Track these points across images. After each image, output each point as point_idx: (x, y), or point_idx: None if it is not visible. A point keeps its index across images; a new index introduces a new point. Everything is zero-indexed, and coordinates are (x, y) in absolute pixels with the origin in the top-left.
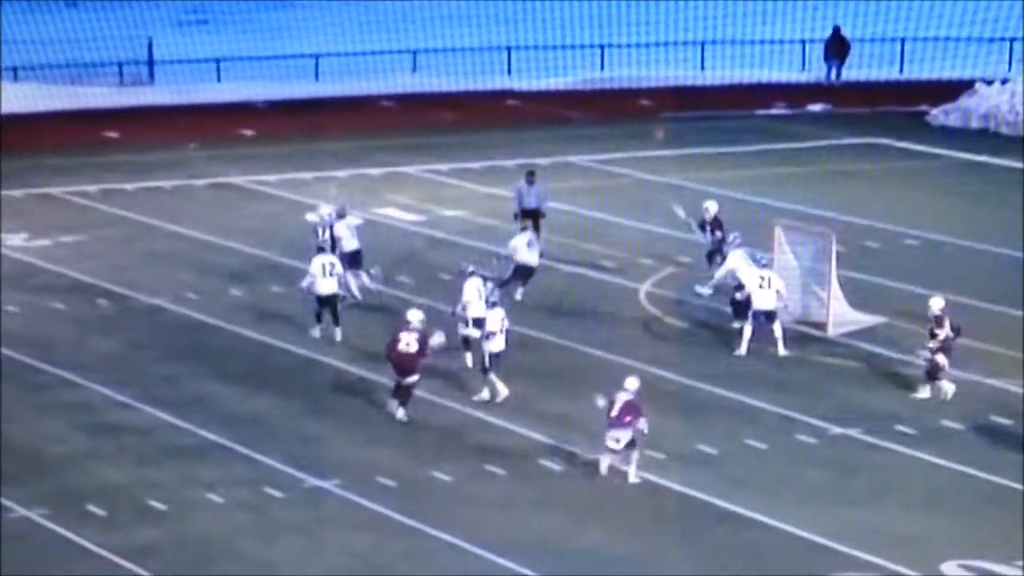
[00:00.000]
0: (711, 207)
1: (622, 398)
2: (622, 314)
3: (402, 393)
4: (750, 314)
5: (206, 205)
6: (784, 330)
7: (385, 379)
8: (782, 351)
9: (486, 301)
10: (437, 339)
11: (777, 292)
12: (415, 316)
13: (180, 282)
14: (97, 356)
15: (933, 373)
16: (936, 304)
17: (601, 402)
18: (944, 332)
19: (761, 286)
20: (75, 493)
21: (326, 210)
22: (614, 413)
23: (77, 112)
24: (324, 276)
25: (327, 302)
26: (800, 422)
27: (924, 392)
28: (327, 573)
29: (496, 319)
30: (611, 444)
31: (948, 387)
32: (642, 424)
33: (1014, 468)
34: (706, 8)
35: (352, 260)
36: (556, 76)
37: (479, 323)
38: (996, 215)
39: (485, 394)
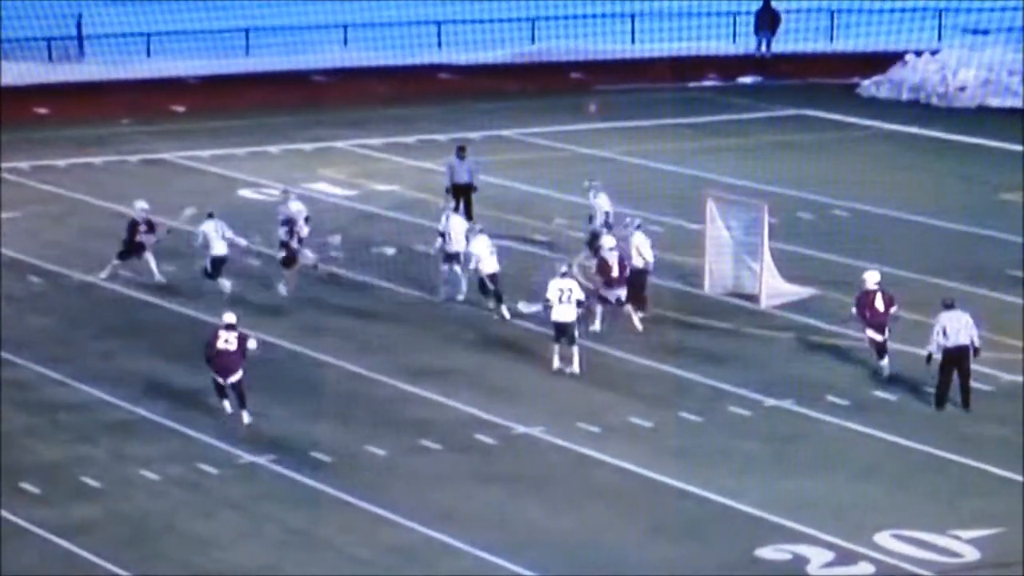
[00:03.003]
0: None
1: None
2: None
3: (231, 392)
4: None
5: (139, 181)
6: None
7: (322, 354)
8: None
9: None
10: (252, 343)
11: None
12: (230, 317)
13: (110, 257)
14: (31, 333)
15: (882, 349)
16: (871, 278)
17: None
18: (874, 309)
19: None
20: (10, 470)
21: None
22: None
23: (6, 88)
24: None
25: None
26: (734, 394)
27: (884, 363)
28: (263, 548)
29: (555, 289)
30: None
31: (885, 363)
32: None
33: (947, 438)
34: None
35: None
36: (487, 50)
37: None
38: (927, 186)
39: (575, 366)
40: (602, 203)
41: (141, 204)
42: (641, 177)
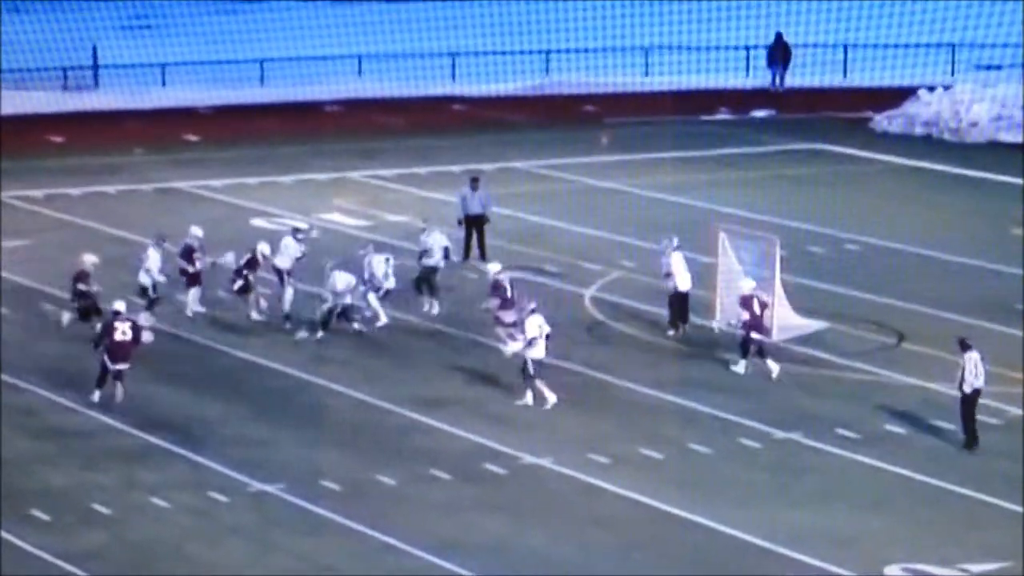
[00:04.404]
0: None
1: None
2: (567, 318)
3: (118, 376)
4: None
5: (151, 210)
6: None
7: (330, 382)
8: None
9: (523, 308)
10: (147, 336)
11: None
12: (122, 306)
13: (125, 286)
14: (42, 360)
15: (746, 348)
16: (747, 285)
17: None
18: (752, 312)
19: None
20: (19, 497)
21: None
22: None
23: (21, 117)
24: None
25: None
26: (743, 426)
27: (739, 367)
28: None
29: (534, 325)
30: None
31: (773, 366)
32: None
33: (954, 471)
34: (650, 14)
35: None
36: (501, 81)
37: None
38: (938, 220)
39: (528, 399)
40: (438, 239)
41: (196, 231)
42: (652, 209)
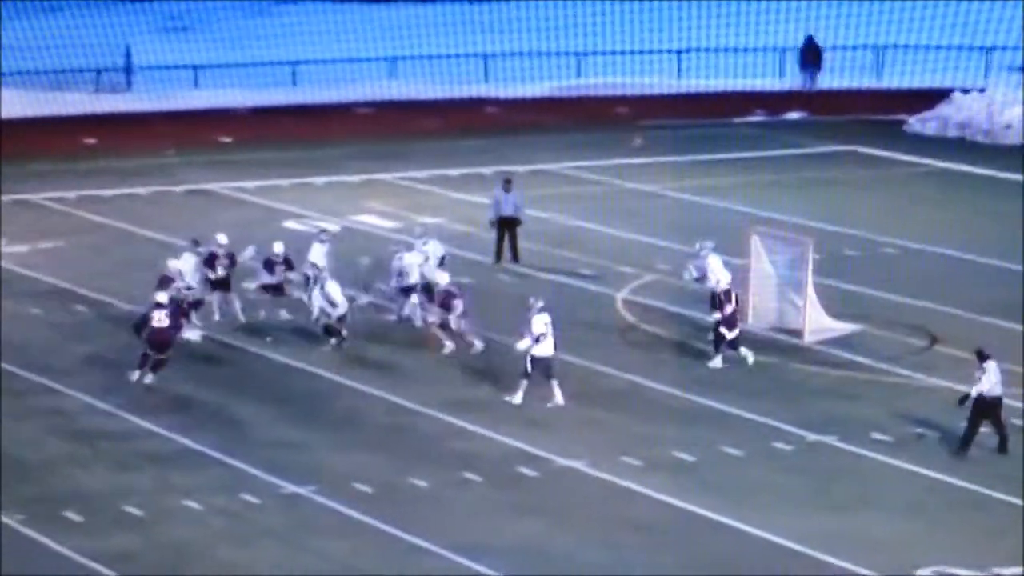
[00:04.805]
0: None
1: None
2: (600, 322)
3: (156, 365)
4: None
5: (184, 211)
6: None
7: (363, 385)
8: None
9: (532, 307)
10: (195, 335)
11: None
12: (164, 298)
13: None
14: (75, 362)
15: (719, 343)
16: (724, 279)
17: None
18: (731, 307)
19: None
20: (52, 499)
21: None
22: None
23: (55, 118)
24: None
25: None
26: (777, 429)
27: (716, 362)
28: None
29: (540, 323)
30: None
31: (746, 352)
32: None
33: (989, 475)
34: (683, 16)
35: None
36: (533, 83)
37: (542, 363)
38: (971, 222)
39: (518, 398)
40: (434, 249)
41: (221, 238)
42: (685, 212)
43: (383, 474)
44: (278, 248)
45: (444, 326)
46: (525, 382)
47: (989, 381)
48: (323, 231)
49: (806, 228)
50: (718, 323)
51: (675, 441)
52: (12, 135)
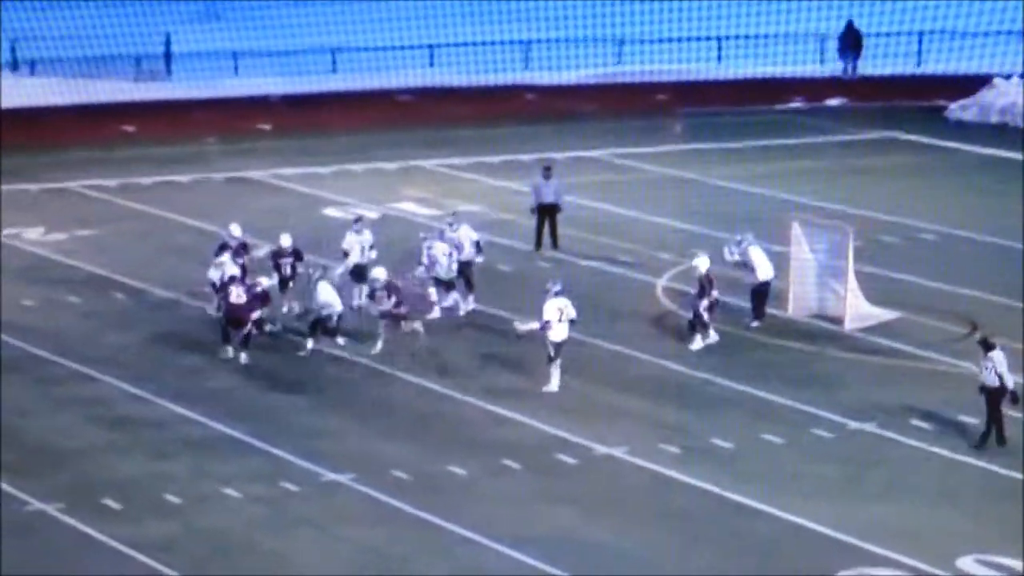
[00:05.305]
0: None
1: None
2: (638, 309)
3: (244, 341)
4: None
5: (223, 199)
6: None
7: (402, 373)
8: (553, 387)
9: (549, 291)
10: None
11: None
12: (236, 271)
13: (196, 276)
14: (113, 350)
15: (695, 326)
16: (703, 264)
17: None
18: (715, 292)
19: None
20: (91, 487)
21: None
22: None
23: (94, 106)
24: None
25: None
26: (816, 417)
27: (696, 343)
28: (341, 567)
29: (553, 308)
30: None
31: (700, 342)
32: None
33: None
34: (723, 2)
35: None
36: (573, 70)
37: (559, 349)
38: (1013, 209)
39: (553, 386)
40: (467, 234)
41: (235, 229)
42: (725, 199)
43: (421, 462)
44: (286, 242)
45: (398, 318)
46: (554, 367)
47: (993, 370)
48: (358, 219)
49: (846, 215)
50: (708, 306)
51: (714, 429)
52: (52, 123)
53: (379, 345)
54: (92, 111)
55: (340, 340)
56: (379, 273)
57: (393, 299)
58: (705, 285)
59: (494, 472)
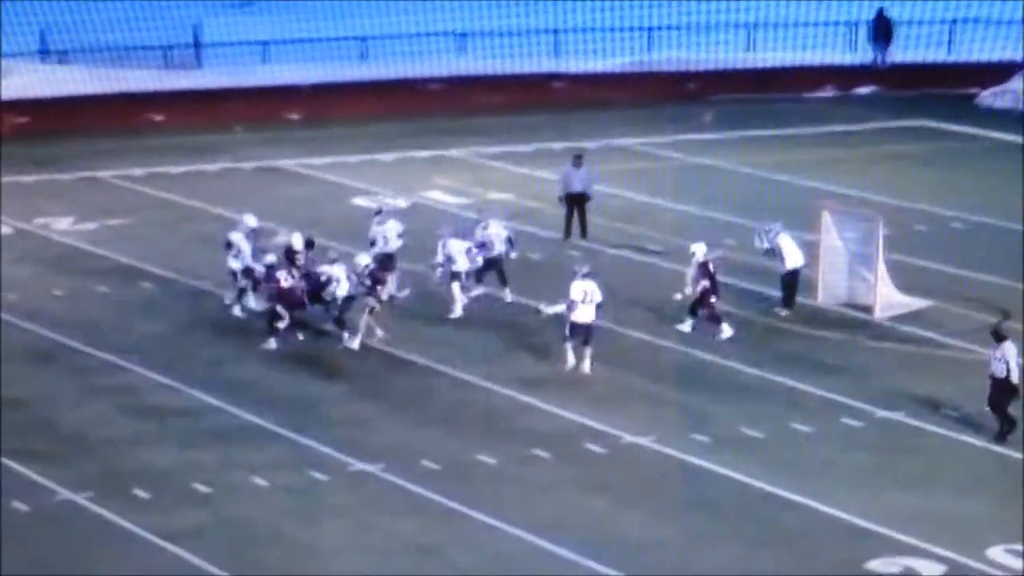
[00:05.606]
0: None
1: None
2: (668, 297)
3: (296, 324)
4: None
5: (252, 188)
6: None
7: (431, 362)
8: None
9: (577, 274)
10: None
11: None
12: (273, 257)
13: (225, 265)
14: (142, 339)
15: (716, 318)
16: (700, 251)
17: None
18: (705, 282)
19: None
20: (120, 476)
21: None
22: None
23: (123, 95)
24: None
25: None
26: (846, 405)
27: (685, 326)
28: (371, 556)
29: (579, 289)
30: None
31: (686, 326)
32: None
33: None
34: None
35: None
36: (603, 58)
37: (579, 329)
38: None
39: (580, 364)
40: (497, 231)
41: (250, 220)
42: (756, 188)
43: (450, 451)
44: (297, 242)
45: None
46: (567, 346)
47: (1003, 361)
48: (379, 211)
49: (876, 203)
50: (704, 293)
51: (743, 418)
52: (82, 112)
53: (379, 333)
54: (121, 100)
55: (345, 336)
56: (362, 260)
57: (372, 284)
58: (698, 273)
59: (523, 461)
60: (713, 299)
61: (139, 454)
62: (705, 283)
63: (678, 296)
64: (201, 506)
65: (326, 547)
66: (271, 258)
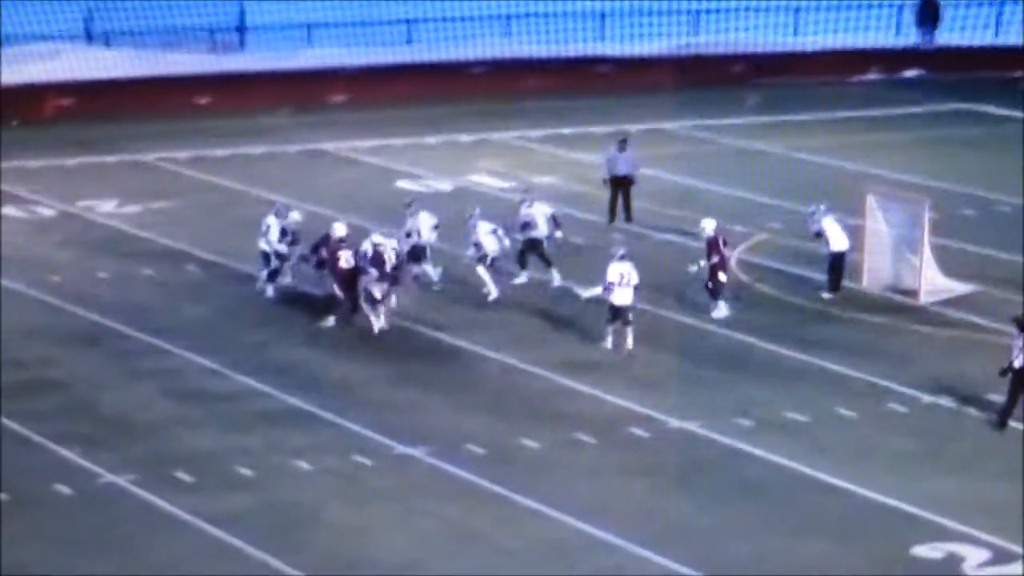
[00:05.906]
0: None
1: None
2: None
3: (355, 306)
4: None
5: (297, 171)
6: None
7: (475, 346)
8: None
9: (614, 256)
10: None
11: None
12: (341, 229)
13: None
14: (187, 323)
15: (717, 292)
16: (709, 226)
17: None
18: (715, 257)
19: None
20: (164, 459)
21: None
22: None
23: (168, 78)
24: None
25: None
26: (890, 390)
27: (720, 311)
28: (415, 540)
29: (616, 272)
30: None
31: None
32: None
33: None
34: None
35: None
36: (648, 42)
37: (618, 311)
38: None
39: (607, 344)
40: (541, 209)
41: (295, 216)
42: (801, 171)
43: (495, 436)
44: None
45: (371, 300)
46: (608, 328)
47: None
48: (409, 203)
49: (922, 187)
50: (713, 267)
51: (788, 402)
52: (126, 95)
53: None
54: (166, 83)
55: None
56: (340, 229)
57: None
58: (710, 248)
59: (567, 445)
60: (721, 274)
61: (182, 437)
62: (715, 258)
63: (693, 268)
64: (244, 489)
65: (370, 530)
66: (340, 230)
